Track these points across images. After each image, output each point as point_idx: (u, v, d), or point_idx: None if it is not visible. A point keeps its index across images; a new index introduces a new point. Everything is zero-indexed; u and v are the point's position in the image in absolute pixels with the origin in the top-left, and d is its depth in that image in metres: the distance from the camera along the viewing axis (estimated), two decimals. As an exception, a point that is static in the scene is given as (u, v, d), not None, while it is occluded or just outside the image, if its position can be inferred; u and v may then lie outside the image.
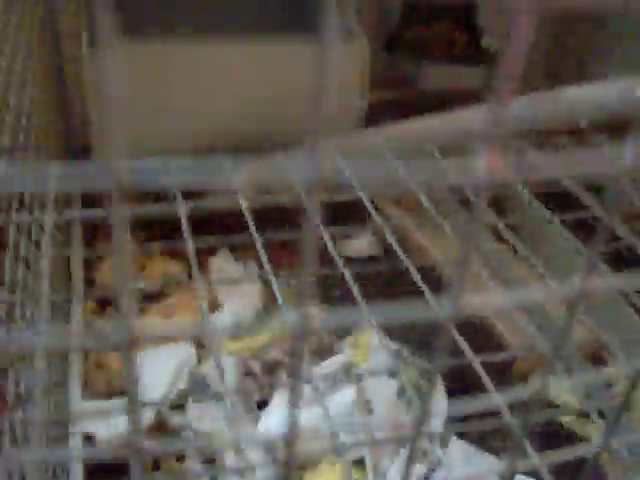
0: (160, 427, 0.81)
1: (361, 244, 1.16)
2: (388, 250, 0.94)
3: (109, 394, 0.88)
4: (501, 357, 0.58)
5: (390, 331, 0.83)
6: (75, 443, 0.69)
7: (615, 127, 0.71)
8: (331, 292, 1.08)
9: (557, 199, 0.84)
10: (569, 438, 0.88)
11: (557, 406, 0.87)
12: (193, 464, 0.76)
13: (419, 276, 0.58)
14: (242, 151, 1.03)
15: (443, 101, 1.55)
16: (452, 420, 0.76)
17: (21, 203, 0.66)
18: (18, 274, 0.60)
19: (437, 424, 0.74)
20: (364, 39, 1.11)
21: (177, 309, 1.06)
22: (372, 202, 0.75)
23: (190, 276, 1.15)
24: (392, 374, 0.78)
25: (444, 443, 0.74)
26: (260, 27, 1.12)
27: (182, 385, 0.85)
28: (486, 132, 0.15)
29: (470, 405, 0.27)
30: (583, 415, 0.90)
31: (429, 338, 0.84)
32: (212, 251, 1.17)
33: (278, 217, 0.97)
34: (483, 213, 0.16)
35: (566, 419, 0.90)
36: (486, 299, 0.17)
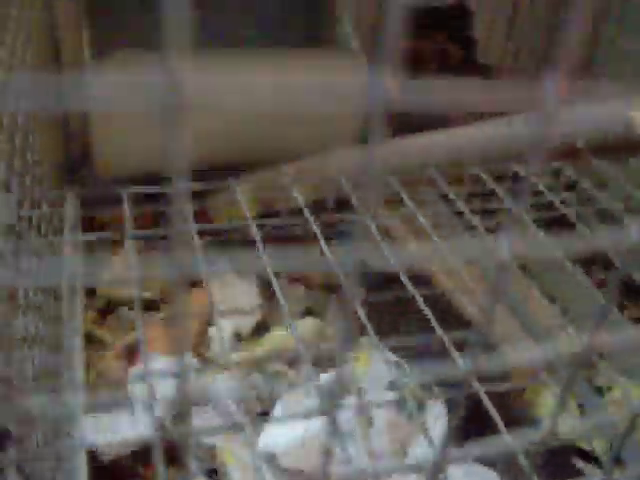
0: (163, 439, 0.82)
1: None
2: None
3: (111, 404, 0.90)
4: (505, 387, 0.60)
5: (390, 344, 0.84)
6: (80, 458, 0.70)
7: (612, 148, 0.73)
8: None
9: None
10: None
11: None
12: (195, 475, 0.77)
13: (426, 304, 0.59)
14: (240, 167, 1.05)
15: (439, 113, 1.56)
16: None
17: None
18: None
19: (437, 433, 0.76)
20: (363, 55, 1.13)
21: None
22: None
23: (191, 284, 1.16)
24: (392, 387, 0.80)
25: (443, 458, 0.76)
26: (259, 43, 1.14)
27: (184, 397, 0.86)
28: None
29: (482, 448, 0.28)
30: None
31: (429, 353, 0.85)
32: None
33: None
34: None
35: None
36: (512, 356, 0.18)
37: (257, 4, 1.20)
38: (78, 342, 0.88)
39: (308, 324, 1.03)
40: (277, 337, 0.98)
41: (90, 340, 1.02)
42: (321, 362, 0.88)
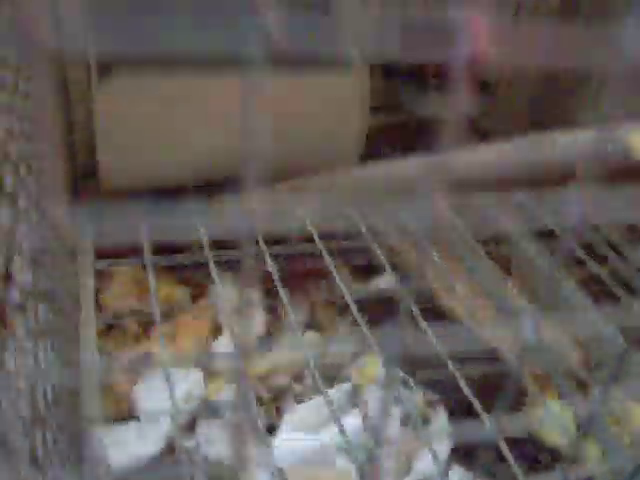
0: (170, 451, 0.83)
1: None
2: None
3: (118, 418, 0.90)
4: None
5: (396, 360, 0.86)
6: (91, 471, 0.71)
7: (610, 174, 0.74)
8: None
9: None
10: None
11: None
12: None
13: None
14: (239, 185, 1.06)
15: (440, 127, 1.58)
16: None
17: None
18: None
19: (442, 450, 0.77)
20: (364, 70, 1.15)
21: (179, 333, 1.09)
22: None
23: (193, 301, 1.18)
24: (397, 401, 0.81)
25: (445, 472, 0.77)
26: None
27: (191, 409, 0.87)
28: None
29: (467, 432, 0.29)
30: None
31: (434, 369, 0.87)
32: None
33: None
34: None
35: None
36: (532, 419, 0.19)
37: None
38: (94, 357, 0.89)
39: (310, 338, 1.04)
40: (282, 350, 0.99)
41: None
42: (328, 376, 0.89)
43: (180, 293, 1.17)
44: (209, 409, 0.86)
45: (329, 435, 0.77)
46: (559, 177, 0.82)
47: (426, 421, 0.82)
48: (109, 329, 1.11)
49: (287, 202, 0.86)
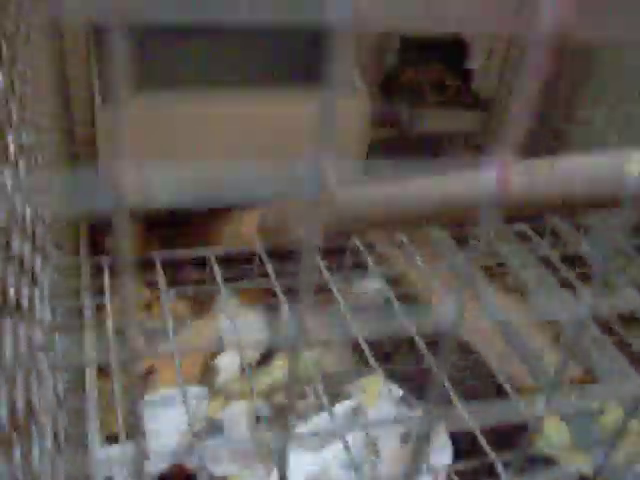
0: (176, 470, 0.84)
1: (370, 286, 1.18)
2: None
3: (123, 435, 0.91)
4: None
5: (397, 378, 0.88)
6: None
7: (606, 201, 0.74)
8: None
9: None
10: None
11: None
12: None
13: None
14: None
15: (437, 143, 1.61)
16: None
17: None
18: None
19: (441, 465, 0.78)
20: (365, 92, 1.16)
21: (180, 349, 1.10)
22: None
23: (195, 316, 1.19)
24: (398, 420, 0.82)
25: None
26: (260, 78, 1.17)
27: (197, 428, 0.88)
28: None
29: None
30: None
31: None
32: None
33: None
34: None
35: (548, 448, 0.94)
36: None
37: (258, 40, 1.23)
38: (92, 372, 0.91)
39: (309, 355, 1.05)
40: (283, 367, 1.01)
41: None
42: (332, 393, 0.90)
43: (181, 307, 1.18)
44: (213, 427, 0.87)
45: (332, 453, 0.78)
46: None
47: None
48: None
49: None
